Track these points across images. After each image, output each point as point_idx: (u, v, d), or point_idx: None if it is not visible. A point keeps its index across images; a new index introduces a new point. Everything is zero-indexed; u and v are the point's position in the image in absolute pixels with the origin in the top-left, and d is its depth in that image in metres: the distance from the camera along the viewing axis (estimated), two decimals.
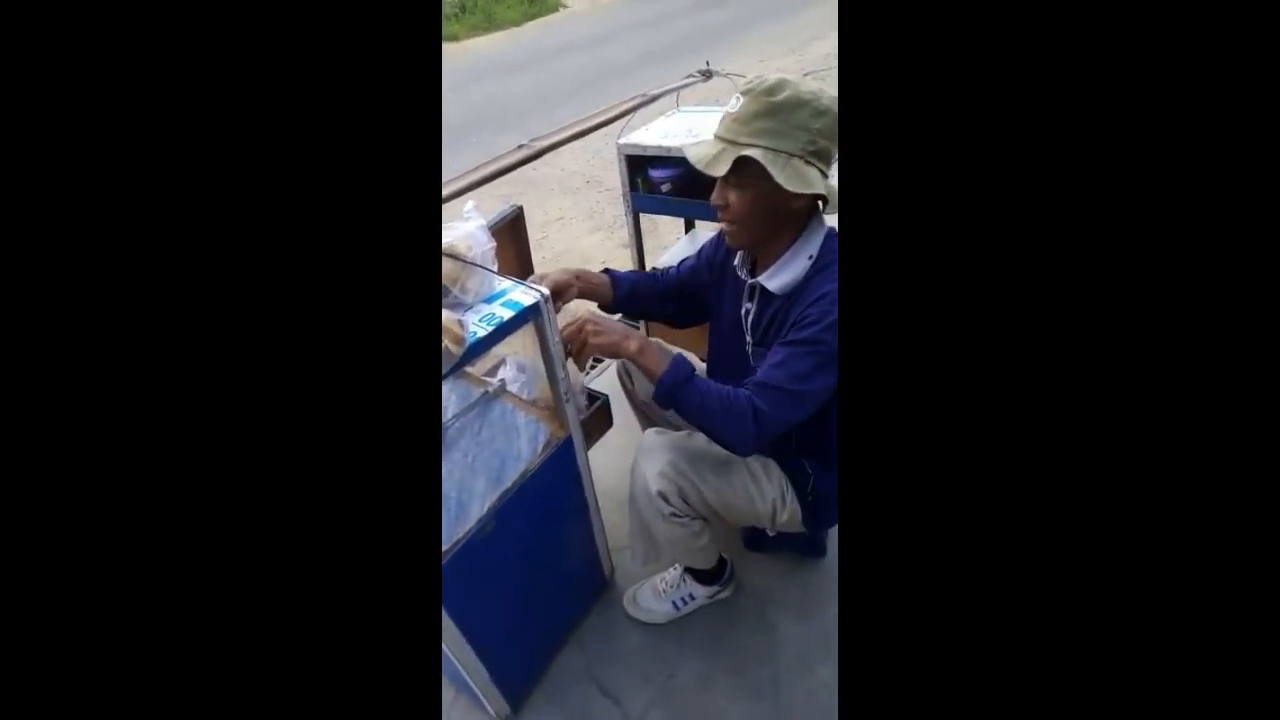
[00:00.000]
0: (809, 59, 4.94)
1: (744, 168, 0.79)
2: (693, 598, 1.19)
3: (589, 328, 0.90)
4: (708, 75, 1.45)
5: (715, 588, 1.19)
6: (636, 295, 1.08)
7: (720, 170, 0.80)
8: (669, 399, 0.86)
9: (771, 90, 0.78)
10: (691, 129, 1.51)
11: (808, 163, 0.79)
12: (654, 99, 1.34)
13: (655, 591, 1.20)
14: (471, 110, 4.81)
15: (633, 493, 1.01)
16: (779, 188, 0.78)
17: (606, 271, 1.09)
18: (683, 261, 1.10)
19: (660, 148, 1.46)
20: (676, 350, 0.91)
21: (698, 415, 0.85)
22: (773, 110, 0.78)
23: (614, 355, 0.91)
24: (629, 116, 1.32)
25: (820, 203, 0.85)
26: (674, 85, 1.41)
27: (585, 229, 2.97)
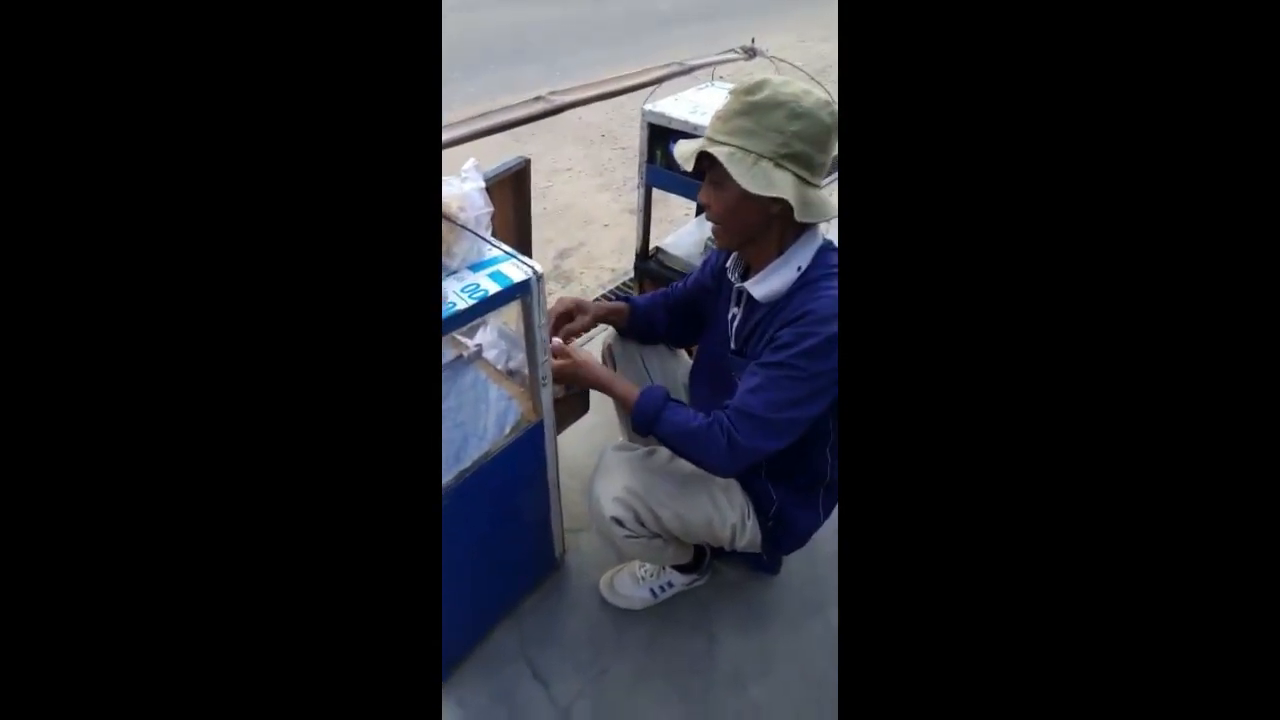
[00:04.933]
0: None
1: (720, 167, 0.78)
2: (671, 585, 1.19)
3: (559, 361, 0.92)
4: (751, 54, 1.35)
5: (693, 576, 1.20)
6: (650, 320, 1.11)
7: (689, 166, 0.81)
8: (645, 431, 0.87)
9: (751, 90, 0.77)
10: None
11: (778, 165, 0.76)
12: (690, 70, 1.24)
13: (634, 578, 1.19)
14: (496, 36, 4.54)
15: (589, 511, 0.99)
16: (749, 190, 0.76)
17: (626, 299, 1.12)
18: (689, 275, 1.10)
19: (686, 123, 1.36)
20: (648, 384, 0.93)
21: (674, 446, 0.88)
22: (749, 110, 0.76)
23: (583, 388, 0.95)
24: (658, 85, 1.22)
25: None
26: (712, 59, 1.31)
27: (593, 186, 2.84)
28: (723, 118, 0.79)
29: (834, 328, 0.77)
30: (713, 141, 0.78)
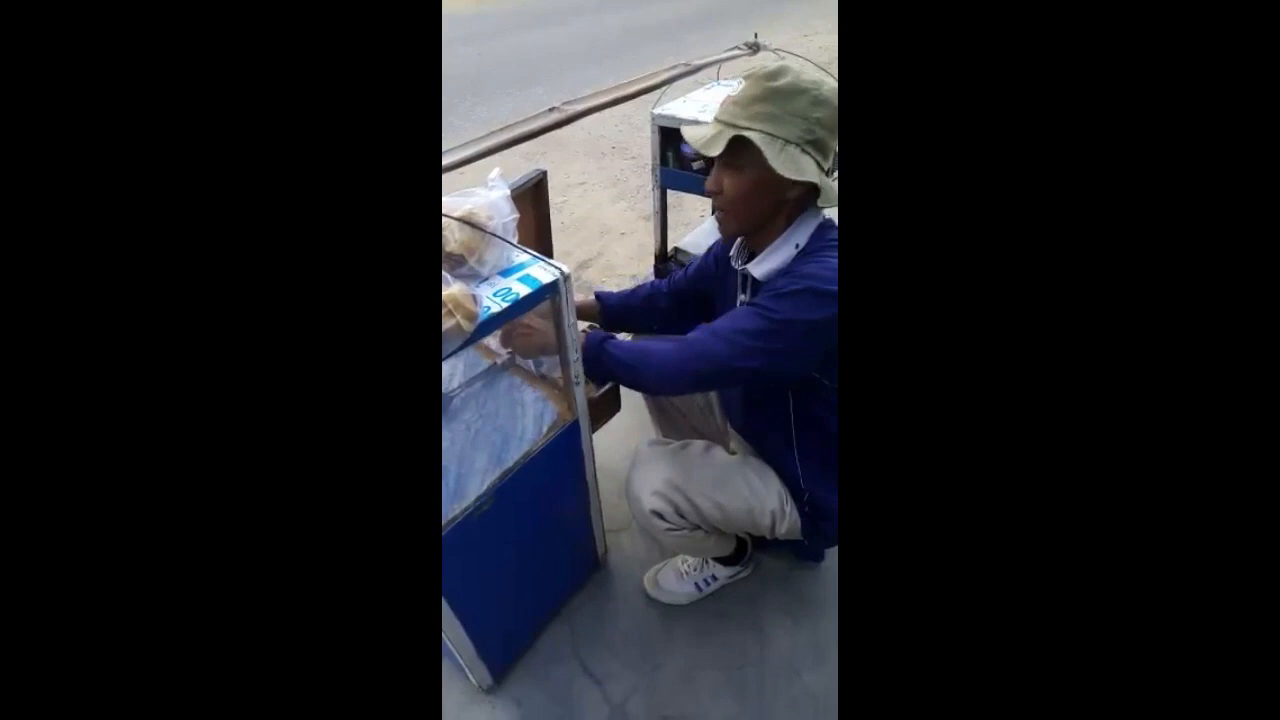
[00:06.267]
0: None
1: (740, 151, 0.78)
2: (715, 579, 1.19)
3: (518, 330, 0.92)
4: (755, 49, 1.36)
5: (737, 568, 1.20)
6: (624, 312, 1.13)
7: (716, 150, 0.79)
8: (595, 367, 0.89)
9: (772, 75, 0.77)
10: None
11: (803, 151, 0.77)
12: (696, 69, 1.26)
13: (678, 573, 1.20)
14: (501, 63, 4.66)
15: (630, 507, 1.01)
16: (773, 174, 0.76)
17: (596, 295, 1.14)
18: (691, 264, 1.10)
19: (695, 121, 1.39)
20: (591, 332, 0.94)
21: (624, 366, 0.88)
22: (771, 95, 0.76)
23: (541, 353, 0.96)
24: (666, 86, 1.25)
25: (817, 193, 0.83)
26: (717, 57, 1.34)
27: (607, 197, 2.89)
28: (741, 103, 0.78)
29: (813, 283, 0.77)
30: (735, 127, 0.78)
